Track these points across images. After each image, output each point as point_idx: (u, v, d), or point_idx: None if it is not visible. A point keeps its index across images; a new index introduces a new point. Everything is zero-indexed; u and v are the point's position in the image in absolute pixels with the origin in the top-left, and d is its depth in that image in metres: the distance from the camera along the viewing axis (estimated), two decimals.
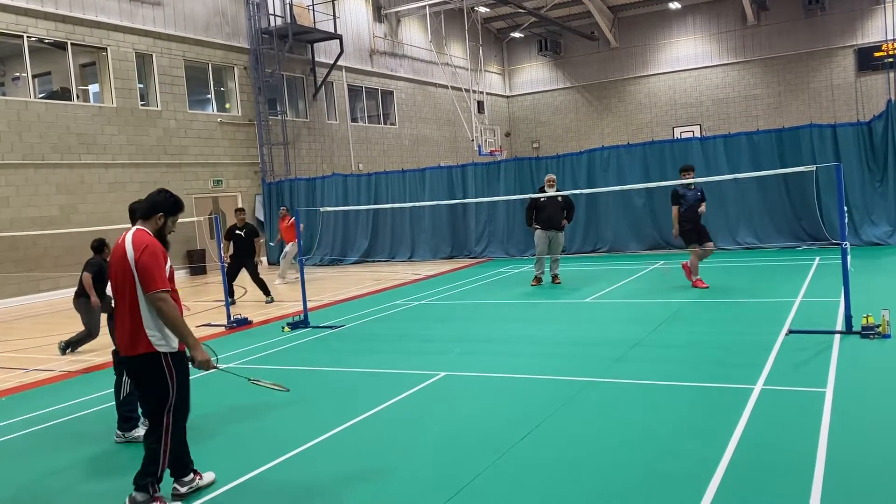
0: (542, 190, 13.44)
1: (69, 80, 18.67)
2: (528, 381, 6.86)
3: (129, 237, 4.44)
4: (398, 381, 7.08)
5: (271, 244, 21.21)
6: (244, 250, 14.12)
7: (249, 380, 5.22)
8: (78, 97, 18.94)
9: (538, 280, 13.29)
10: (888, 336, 7.25)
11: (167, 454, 4.47)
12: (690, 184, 11.01)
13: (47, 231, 17.15)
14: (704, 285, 11.22)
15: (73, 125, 18.34)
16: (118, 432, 5.97)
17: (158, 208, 4.53)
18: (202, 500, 4.63)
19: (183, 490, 4.67)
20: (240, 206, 20.54)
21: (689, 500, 4.05)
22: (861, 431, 4.90)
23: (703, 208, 11.12)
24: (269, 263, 22.09)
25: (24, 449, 6.02)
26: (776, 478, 4.27)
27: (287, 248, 16.92)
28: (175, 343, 4.42)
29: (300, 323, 10.60)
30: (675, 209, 11.17)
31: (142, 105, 20.15)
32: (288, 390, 5.24)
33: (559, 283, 13.15)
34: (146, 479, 4.43)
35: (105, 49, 19.22)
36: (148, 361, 4.38)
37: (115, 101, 19.35)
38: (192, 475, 4.73)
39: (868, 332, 7.31)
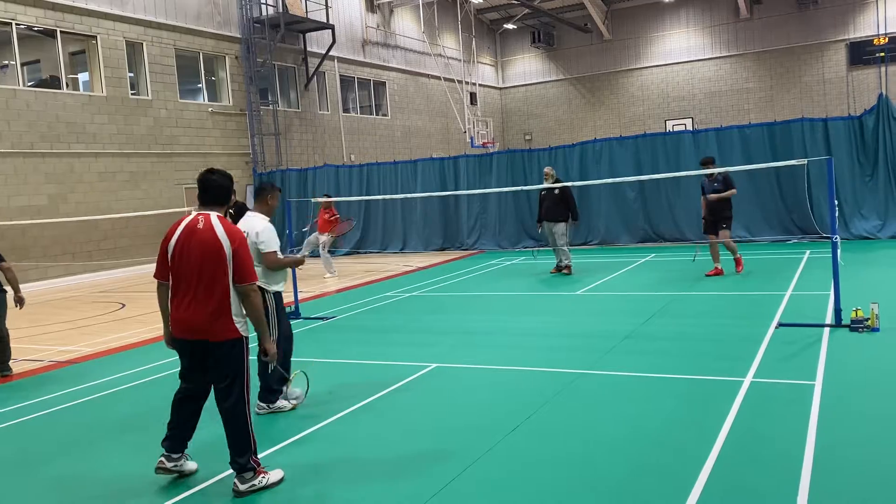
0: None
1: (58, 69, 18.52)
2: (520, 373, 6.87)
3: (218, 224, 4.49)
4: (389, 373, 7.07)
5: (300, 231, 20.54)
6: None
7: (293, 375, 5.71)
8: (67, 86, 18.78)
9: (556, 268, 13.46)
10: (877, 329, 7.29)
11: (252, 426, 4.58)
12: (711, 174, 11.33)
13: (36, 220, 17.04)
14: (713, 272, 11.64)
15: (62, 114, 18.20)
16: (260, 403, 6.02)
17: (230, 191, 4.74)
18: (190, 490, 4.62)
19: (169, 465, 4.73)
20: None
21: (679, 492, 4.06)
22: (849, 424, 4.93)
23: (714, 196, 11.43)
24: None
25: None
26: (765, 469, 4.30)
27: (323, 238, 15.77)
28: (250, 328, 4.62)
29: (291, 314, 10.55)
30: (702, 199, 11.91)
31: (132, 94, 20.00)
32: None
33: (568, 273, 13.14)
34: (246, 456, 4.51)
35: (95, 37, 19.06)
36: (233, 346, 4.52)
37: (105, 89, 19.20)
38: (181, 455, 4.79)
39: (857, 325, 7.35)
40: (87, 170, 18.73)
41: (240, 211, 15.35)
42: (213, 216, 4.54)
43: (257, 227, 5.99)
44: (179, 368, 4.80)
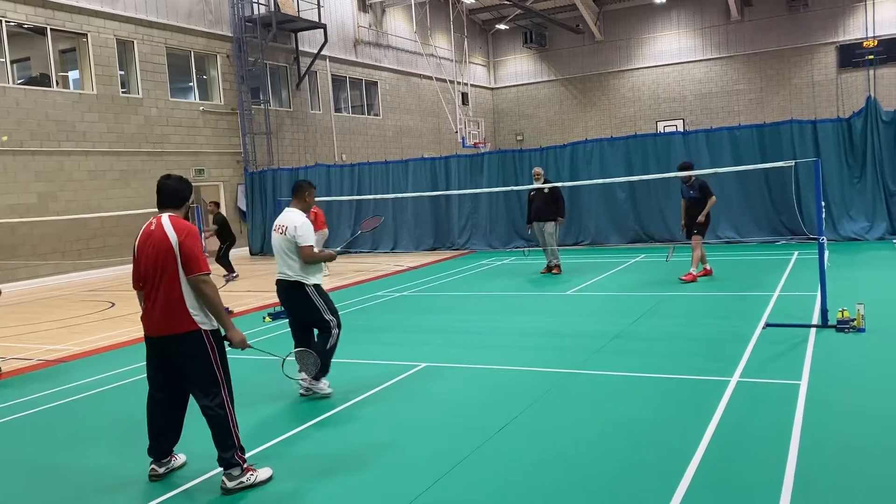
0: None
1: (48, 67, 18.44)
2: (509, 372, 6.90)
3: (167, 222, 4.58)
4: (380, 371, 7.09)
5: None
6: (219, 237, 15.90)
7: (285, 358, 5.60)
8: (57, 83, 18.71)
9: (547, 268, 13.50)
10: (863, 330, 7.35)
11: (235, 421, 4.60)
12: (689, 180, 11.36)
13: (26, 219, 16.95)
14: (702, 273, 11.59)
15: (52, 112, 18.12)
16: (303, 375, 6.23)
17: (187, 196, 4.76)
18: (178, 489, 4.63)
19: (161, 470, 4.80)
20: (212, 199, 20.26)
21: (666, 489, 4.10)
22: (834, 423, 4.98)
23: (702, 218, 11.33)
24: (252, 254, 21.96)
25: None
26: (750, 466, 4.34)
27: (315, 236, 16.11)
28: (215, 322, 4.62)
29: (281, 314, 10.56)
30: (682, 203, 11.96)
31: (123, 92, 19.93)
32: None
33: (557, 273, 13.17)
34: (230, 452, 4.53)
35: (85, 35, 18.99)
36: (191, 339, 4.53)
37: (96, 88, 19.13)
38: (170, 458, 4.87)
39: (843, 326, 7.41)
40: (77, 168, 18.66)
41: (222, 222, 16.27)
42: (164, 217, 4.65)
43: (296, 221, 6.28)
44: (146, 372, 4.82)
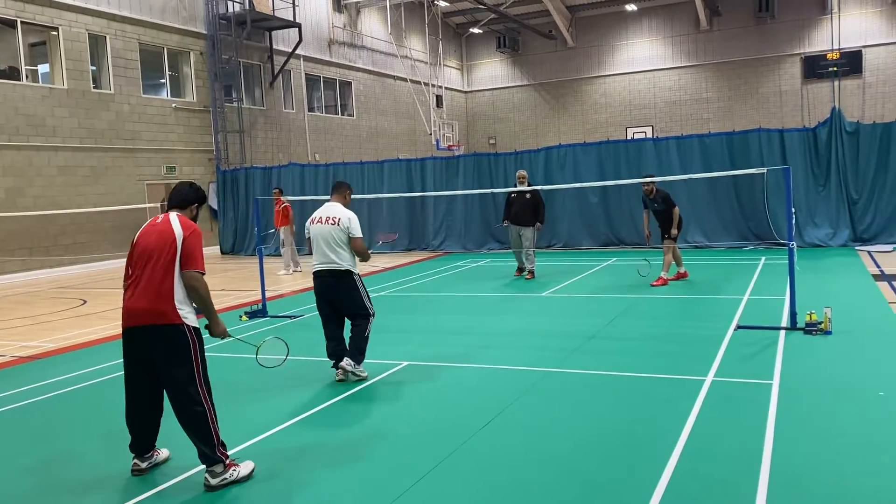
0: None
1: (18, 60, 18.14)
2: (489, 371, 7.00)
3: (174, 218, 4.71)
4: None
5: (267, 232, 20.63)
6: None
7: (258, 346, 5.69)
8: (27, 77, 18.41)
9: (519, 271, 13.61)
10: (829, 333, 7.61)
11: (215, 417, 4.63)
12: (651, 192, 11.62)
13: None
14: (677, 276, 11.88)
15: (21, 106, 17.83)
16: (349, 360, 6.67)
17: (193, 200, 4.89)
18: (160, 487, 4.65)
19: (144, 465, 4.82)
20: None
21: (645, 486, 4.23)
22: (805, 421, 5.17)
23: (674, 234, 11.60)
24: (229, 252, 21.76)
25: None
26: (727, 462, 4.50)
27: (282, 235, 16.14)
28: (196, 320, 4.68)
29: (258, 312, 10.57)
30: (644, 214, 12.22)
31: (94, 88, 19.68)
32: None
33: (530, 278, 13.23)
34: (211, 448, 4.54)
35: (56, 29, 18.72)
36: (173, 332, 4.55)
37: (67, 82, 18.86)
38: (152, 452, 4.90)
39: (811, 328, 7.66)
40: (46, 163, 18.37)
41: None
42: (173, 214, 4.78)
43: (347, 213, 6.76)
44: (123, 370, 4.80)
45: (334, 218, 6.70)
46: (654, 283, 11.50)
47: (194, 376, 4.59)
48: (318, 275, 6.83)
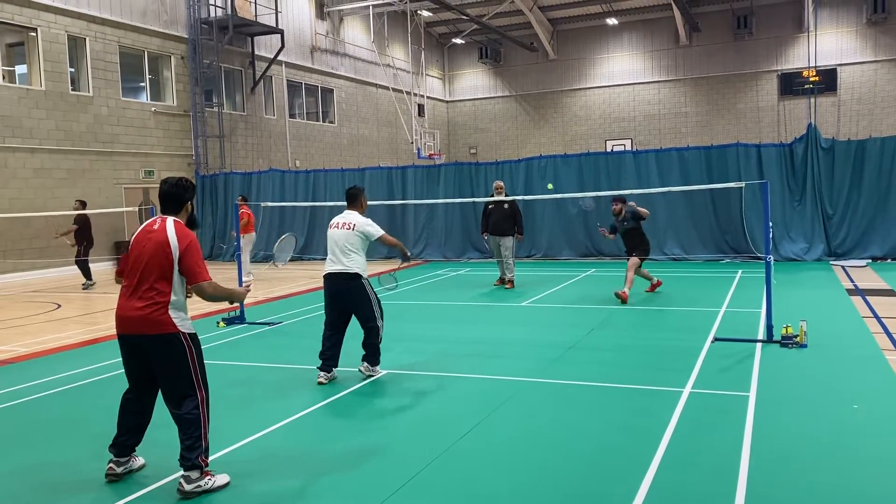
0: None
1: None
2: (469, 381, 7.00)
3: (171, 226, 4.64)
4: (339, 377, 7.11)
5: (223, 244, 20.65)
6: None
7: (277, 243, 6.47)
8: (4, 77, 18.18)
9: (500, 280, 13.66)
10: (805, 346, 7.71)
11: (207, 424, 4.62)
12: (620, 215, 11.64)
13: None
14: (650, 288, 12.01)
15: None
16: (367, 365, 7.11)
17: (187, 198, 4.83)
18: (136, 493, 4.59)
19: (119, 470, 4.76)
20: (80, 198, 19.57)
21: (625, 495, 4.25)
22: (781, 432, 5.23)
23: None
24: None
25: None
26: (705, 472, 4.54)
27: (241, 242, 15.94)
28: (192, 326, 4.68)
29: (236, 319, 10.49)
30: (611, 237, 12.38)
31: (72, 90, 19.46)
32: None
33: (509, 288, 13.23)
34: (195, 453, 4.50)
35: (35, 29, 18.50)
36: (169, 341, 4.53)
37: (45, 84, 18.64)
38: (129, 458, 4.84)
39: (787, 341, 7.76)
40: (21, 165, 18.12)
41: (83, 223, 15.82)
42: (170, 220, 4.70)
43: (363, 220, 7.15)
44: (124, 369, 4.79)
45: (350, 224, 7.08)
46: (619, 294, 11.09)
47: (193, 384, 4.58)
48: (328, 277, 7.10)
